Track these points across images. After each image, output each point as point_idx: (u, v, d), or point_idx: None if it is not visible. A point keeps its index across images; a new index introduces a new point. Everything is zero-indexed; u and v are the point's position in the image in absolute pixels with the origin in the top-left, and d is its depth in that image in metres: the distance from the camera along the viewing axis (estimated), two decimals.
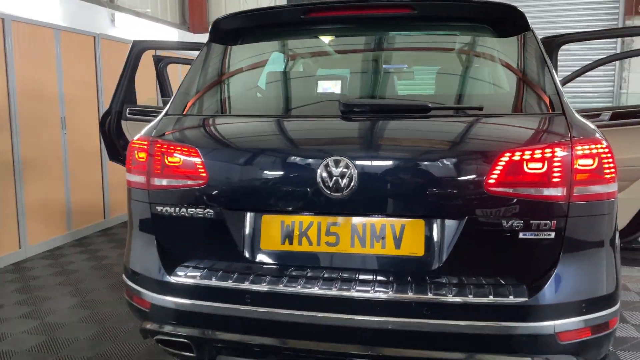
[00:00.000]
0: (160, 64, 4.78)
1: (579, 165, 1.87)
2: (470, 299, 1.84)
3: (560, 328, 1.84)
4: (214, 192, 2.08)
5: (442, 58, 2.48)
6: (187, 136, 2.20)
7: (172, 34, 9.12)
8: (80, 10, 7.00)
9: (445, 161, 1.92)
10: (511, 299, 1.84)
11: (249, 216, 2.07)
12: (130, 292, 2.27)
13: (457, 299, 1.85)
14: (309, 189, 1.97)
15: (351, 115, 2.09)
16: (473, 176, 1.89)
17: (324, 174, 1.93)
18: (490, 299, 1.84)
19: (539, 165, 1.86)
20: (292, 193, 2.02)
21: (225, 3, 10.05)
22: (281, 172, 2.03)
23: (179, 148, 2.14)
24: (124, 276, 2.35)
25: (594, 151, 1.89)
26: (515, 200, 1.87)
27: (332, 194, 1.94)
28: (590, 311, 1.89)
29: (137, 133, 3.83)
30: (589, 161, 1.88)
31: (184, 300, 2.09)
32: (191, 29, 9.88)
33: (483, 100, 2.15)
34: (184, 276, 2.10)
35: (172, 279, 2.10)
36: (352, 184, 1.92)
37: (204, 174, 2.08)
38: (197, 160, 2.09)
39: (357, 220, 1.99)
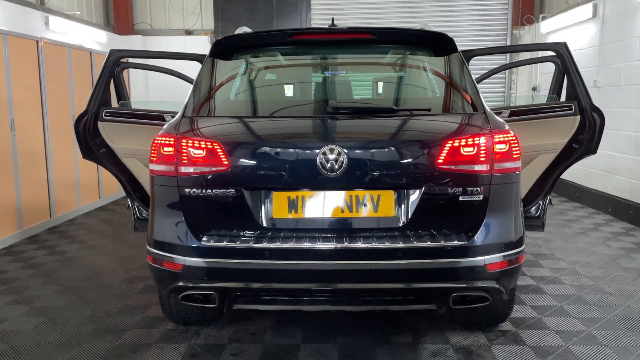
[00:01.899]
0: (117, 68, 5.20)
1: (497, 149, 2.72)
2: (428, 244, 2.64)
3: (488, 261, 2.68)
4: (234, 176, 2.72)
5: (395, 71, 3.28)
6: (209, 133, 2.81)
7: (100, 36, 9.30)
8: (17, 14, 7.12)
9: (408, 148, 2.71)
10: (455, 242, 2.65)
11: (262, 193, 2.73)
12: (159, 259, 2.84)
13: (419, 244, 2.63)
14: (310, 171, 2.67)
15: (337, 114, 2.81)
16: (428, 158, 2.68)
17: (322, 159, 2.64)
18: (442, 243, 2.64)
19: (471, 149, 2.69)
20: (297, 174, 2.71)
21: (151, 6, 10.34)
22: (288, 159, 2.71)
23: (202, 142, 2.74)
24: (149, 247, 2.91)
25: (506, 139, 2.75)
26: (456, 174, 2.68)
27: (329, 173, 2.65)
28: (507, 249, 2.74)
29: (114, 133, 4.32)
30: (503, 146, 2.74)
31: (214, 259, 2.71)
32: (117, 30, 10.06)
33: (428, 103, 2.98)
34: (212, 241, 2.71)
35: (203, 244, 2.71)
36: (343, 166, 2.64)
37: (226, 162, 2.71)
38: (220, 151, 2.72)
39: (345, 192, 2.72)
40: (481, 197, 2.71)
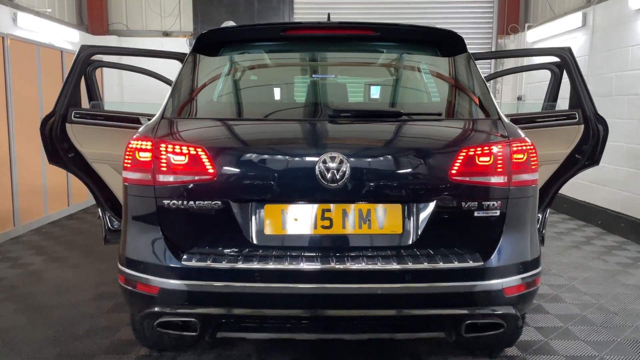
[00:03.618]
0: (89, 67, 4.82)
1: (515, 158, 2.45)
2: (441, 265, 2.34)
3: (506, 285, 2.40)
4: (221, 186, 2.39)
5: (399, 72, 2.99)
6: (192, 137, 2.48)
7: (72, 35, 8.85)
8: None
9: (418, 156, 2.42)
10: (470, 264, 2.36)
11: (253, 206, 2.41)
12: (132, 280, 2.49)
13: (431, 266, 2.33)
14: (307, 181, 2.36)
15: (337, 118, 2.50)
16: (440, 168, 2.39)
17: (322, 168, 2.33)
18: (456, 264, 2.35)
19: (488, 159, 2.41)
20: (292, 185, 2.39)
21: (126, 6, 9.92)
22: (282, 167, 2.39)
23: (184, 147, 2.41)
24: (122, 267, 2.56)
25: (524, 148, 2.48)
26: (471, 187, 2.40)
27: (329, 184, 2.34)
28: (525, 271, 2.47)
29: (83, 136, 3.95)
30: (521, 156, 2.47)
31: (196, 282, 2.37)
32: (90, 30, 9.61)
33: (438, 108, 2.69)
34: (194, 261, 2.37)
35: (183, 264, 2.37)
36: (345, 176, 2.33)
37: (211, 170, 2.38)
38: (204, 158, 2.39)
39: (347, 206, 2.41)
40: (498, 213, 2.43)
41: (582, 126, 4.07)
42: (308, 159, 2.38)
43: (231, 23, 3.15)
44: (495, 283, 2.38)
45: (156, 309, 2.43)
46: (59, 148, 4.05)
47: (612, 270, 5.00)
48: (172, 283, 2.38)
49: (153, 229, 2.47)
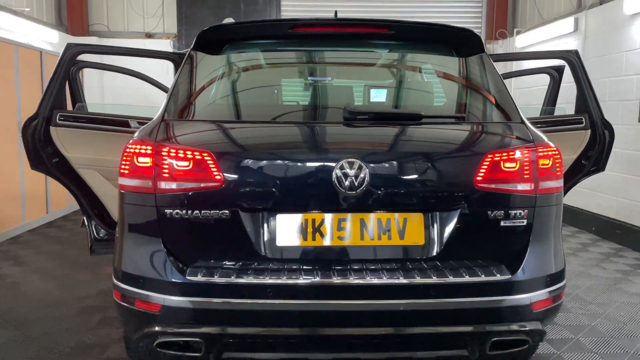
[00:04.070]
0: (73, 67, 4.57)
1: (541, 165, 2.30)
2: (467, 279, 2.17)
3: (534, 299, 2.25)
4: (229, 194, 2.19)
5: (415, 72, 2.82)
6: (197, 140, 2.28)
7: (51, 36, 8.54)
8: None
9: (441, 162, 2.26)
10: (498, 277, 2.20)
11: (264, 216, 2.22)
12: (130, 296, 2.27)
13: (456, 280, 2.17)
14: (323, 189, 2.18)
15: (354, 121, 2.33)
16: (464, 174, 2.23)
17: (339, 174, 2.15)
18: (482, 277, 2.19)
19: (514, 165, 2.26)
20: (307, 192, 2.21)
21: (107, 6, 9.62)
22: (295, 173, 2.21)
23: (189, 152, 2.21)
24: (118, 282, 2.34)
25: (550, 153, 2.34)
26: (498, 195, 2.24)
27: (347, 192, 2.16)
28: (552, 284, 2.32)
29: (69, 140, 3.71)
30: (547, 161, 2.32)
31: (202, 299, 2.16)
32: (70, 31, 9.29)
33: (459, 110, 2.53)
34: (200, 276, 2.17)
35: (188, 279, 2.16)
36: (364, 183, 2.16)
37: (219, 177, 2.18)
38: (211, 163, 2.19)
39: (365, 215, 2.23)
40: (525, 222, 2.28)
41: (589, 131, 3.97)
42: (324, 164, 2.20)
43: (231, 20, 2.96)
44: (523, 297, 2.22)
45: (157, 328, 2.21)
46: (42, 153, 3.80)
47: (613, 278, 4.91)
48: (175, 300, 2.18)
49: (153, 240, 2.26)
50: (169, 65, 9.32)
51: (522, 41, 8.75)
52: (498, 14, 9.64)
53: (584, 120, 3.92)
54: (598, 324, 3.81)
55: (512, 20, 9.69)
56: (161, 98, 9.02)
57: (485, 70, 2.59)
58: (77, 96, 4.58)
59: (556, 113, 4.43)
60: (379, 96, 2.56)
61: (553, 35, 7.73)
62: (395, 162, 2.24)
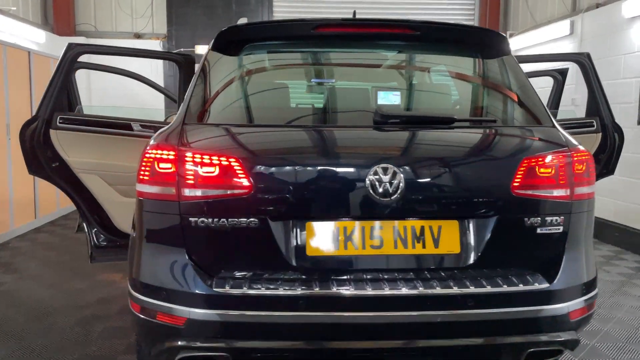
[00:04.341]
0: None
1: (576, 170, 2.24)
2: (505, 288, 2.10)
3: (571, 308, 2.18)
4: (257, 201, 2.09)
5: (442, 74, 2.75)
6: (223, 145, 2.17)
7: (38, 36, 8.31)
8: None
9: (477, 167, 2.19)
10: (536, 286, 2.13)
11: (294, 224, 2.12)
12: (151, 309, 2.16)
13: (495, 290, 2.09)
14: (355, 195, 2.09)
15: (385, 125, 2.24)
16: (501, 180, 2.16)
17: (373, 181, 2.06)
18: (521, 287, 2.12)
19: (550, 170, 2.20)
20: (339, 199, 2.11)
21: (95, 6, 9.41)
22: (327, 180, 2.12)
23: (215, 157, 2.10)
24: (137, 294, 2.23)
25: (584, 158, 2.29)
26: (534, 201, 2.18)
27: (381, 199, 2.07)
28: (587, 292, 2.26)
29: (70, 144, 3.57)
30: (582, 166, 2.27)
31: (230, 312, 2.06)
32: (56, 31, 9.06)
33: (491, 113, 2.47)
34: (227, 287, 2.07)
35: (215, 291, 2.06)
36: (399, 189, 2.08)
37: (247, 184, 2.08)
38: (239, 169, 2.09)
39: (399, 223, 2.15)
40: (560, 229, 2.22)
41: (600, 134, 3.95)
42: (357, 170, 2.11)
43: (245, 20, 2.85)
44: (561, 307, 2.16)
45: (180, 342, 2.10)
46: (40, 157, 3.66)
47: (617, 281, 4.91)
48: (201, 313, 2.07)
49: (177, 250, 2.15)
50: (157, 66, 9.22)
51: (515, 44, 8.76)
52: (490, 17, 9.66)
53: (595, 123, 3.90)
54: (611, 329, 3.78)
55: (504, 23, 9.72)
56: (152, 100, 8.87)
57: (512, 73, 2.53)
58: (73, 99, 4.43)
59: (568, 116, 4.40)
60: (402, 99, 2.48)
61: (548, 38, 7.75)
62: (429, 168, 2.16)
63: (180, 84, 3.92)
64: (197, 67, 2.58)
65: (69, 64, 3.54)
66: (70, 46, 3.53)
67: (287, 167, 2.14)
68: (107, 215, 3.87)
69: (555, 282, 2.17)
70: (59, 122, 3.60)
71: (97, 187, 3.76)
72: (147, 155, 2.20)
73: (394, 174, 2.07)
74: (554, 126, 2.38)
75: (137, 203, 2.27)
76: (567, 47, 7.28)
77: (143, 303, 2.19)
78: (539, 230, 2.19)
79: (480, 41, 2.57)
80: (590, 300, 2.28)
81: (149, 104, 8.84)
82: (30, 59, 6.72)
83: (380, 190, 2.07)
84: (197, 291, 2.08)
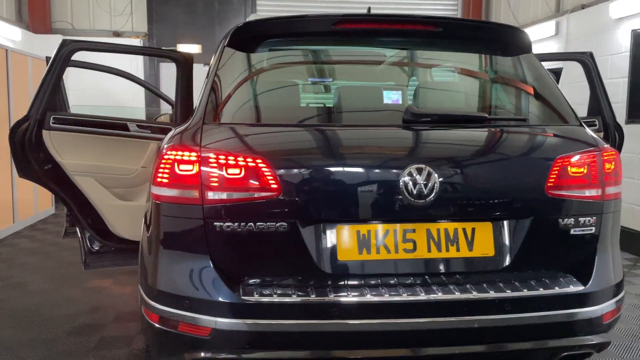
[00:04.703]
0: None
1: (606, 169, 2.21)
2: (541, 292, 2.05)
3: (605, 310, 2.15)
4: (286, 204, 1.99)
5: (466, 72, 2.68)
6: (248, 145, 2.07)
7: (14, 33, 8.01)
8: None
9: (510, 167, 2.13)
10: (571, 289, 2.09)
11: (325, 228, 2.03)
12: (172, 319, 2.04)
13: (531, 293, 2.04)
14: (389, 197, 2.02)
15: (414, 124, 2.17)
16: (535, 180, 2.11)
17: (408, 182, 1.99)
18: (556, 289, 2.07)
19: (582, 170, 2.16)
20: (371, 202, 2.03)
21: (72, 3, 9.11)
22: (359, 181, 2.04)
23: (241, 158, 2.00)
24: (155, 303, 2.10)
25: (612, 157, 2.25)
26: (568, 201, 2.14)
27: (415, 201, 2.00)
28: (617, 293, 2.23)
29: (64, 145, 3.41)
30: (611, 165, 2.24)
31: (259, 321, 1.96)
32: (31, 28, 8.75)
33: (520, 112, 2.42)
34: (256, 295, 1.96)
35: (243, 299, 1.96)
36: (434, 190, 2.00)
37: (275, 186, 1.98)
38: (266, 171, 1.99)
39: (432, 226, 2.08)
40: (593, 230, 2.18)
41: (602, 134, 3.96)
42: (390, 171, 2.03)
43: (255, 16, 2.74)
44: (596, 309, 2.12)
45: (204, 354, 1.99)
46: (32, 159, 3.48)
47: None
48: (228, 322, 1.96)
49: (200, 256, 2.04)
50: (138, 65, 8.99)
51: None
52: (473, 17, 9.70)
53: (597, 122, 3.91)
54: (614, 328, 3.77)
55: None
56: (131, 100, 8.66)
57: (536, 70, 2.49)
58: (61, 98, 4.25)
59: None
60: (429, 98, 2.42)
61: (533, 38, 7.75)
62: (463, 168, 2.10)
63: (178, 83, 3.77)
64: (211, 62, 2.47)
65: (63, 61, 3.37)
66: (65, 42, 3.37)
67: (317, 169, 2.05)
68: (102, 220, 3.71)
69: (589, 284, 2.13)
70: (52, 123, 3.43)
71: (92, 190, 3.60)
72: (166, 156, 2.08)
73: (429, 175, 2.00)
74: (581, 125, 2.34)
75: (154, 207, 2.15)
76: (553, 47, 7.35)
77: (162, 313, 2.07)
78: (572, 232, 2.15)
79: (503, 38, 2.52)
80: (620, 301, 2.26)
81: (128, 104, 8.63)
82: (7, 58, 6.46)
83: (415, 191, 2.00)
84: (223, 299, 1.98)
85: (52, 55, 3.38)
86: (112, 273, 4.80)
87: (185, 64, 3.76)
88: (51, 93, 3.40)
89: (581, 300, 2.10)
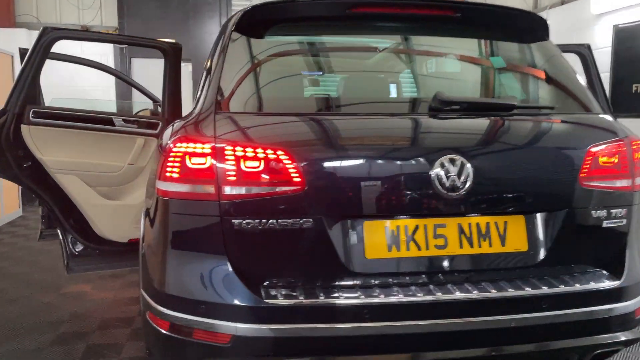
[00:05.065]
0: None
1: (636, 158, 2.14)
2: (577, 287, 1.96)
3: (637, 305, 2.07)
4: (312, 199, 1.85)
5: (487, 59, 2.57)
6: (268, 136, 1.91)
7: None
8: None
9: (543, 157, 2.03)
10: (606, 283, 2.00)
11: (352, 223, 1.89)
12: (186, 326, 1.87)
13: (567, 289, 1.94)
14: (420, 190, 1.89)
15: (441, 112, 2.05)
16: (568, 170, 2.02)
17: (440, 173, 1.87)
18: (591, 285, 1.98)
19: (615, 159, 2.08)
20: (401, 195, 1.90)
21: None
22: (388, 173, 1.91)
23: (260, 150, 1.84)
24: (164, 309, 1.93)
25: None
26: (600, 192, 2.05)
27: (448, 193, 1.88)
28: None
29: (44, 141, 3.18)
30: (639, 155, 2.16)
31: (285, 326, 1.80)
32: None
33: (547, 100, 2.32)
34: (281, 297, 1.81)
35: (266, 303, 1.80)
36: (468, 182, 1.89)
37: (299, 179, 1.83)
38: (289, 163, 1.84)
39: (463, 220, 1.96)
40: (624, 222, 2.10)
41: None
42: (421, 162, 1.90)
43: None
44: (630, 304, 2.04)
45: None
46: (9, 156, 3.23)
47: None
48: (251, 328, 1.80)
49: (216, 257, 1.87)
50: (108, 55, 8.64)
51: None
52: None
53: None
54: None
55: None
56: (101, 94, 8.30)
57: (556, 58, 2.40)
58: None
59: None
60: (454, 85, 2.30)
61: None
62: (496, 158, 1.99)
63: (166, 75, 3.58)
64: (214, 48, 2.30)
65: (44, 50, 3.14)
66: (46, 31, 3.14)
67: (343, 160, 1.90)
68: (86, 220, 3.49)
69: (623, 279, 2.05)
70: (32, 117, 3.20)
71: (75, 189, 3.38)
72: (175, 148, 1.90)
73: (462, 166, 1.88)
74: (606, 113, 2.27)
75: (161, 204, 1.97)
76: None
77: (174, 319, 1.89)
78: (604, 224, 2.07)
79: (521, 24, 2.42)
80: None
81: (99, 98, 8.32)
82: None
83: (448, 183, 1.87)
84: (244, 303, 1.82)
85: (32, 44, 3.14)
86: (91, 277, 4.55)
87: (173, 55, 3.58)
88: (30, 85, 3.17)
89: (616, 295, 2.02)
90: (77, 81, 7.73)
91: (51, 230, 3.85)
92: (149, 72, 7.40)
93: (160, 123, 3.53)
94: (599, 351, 2.07)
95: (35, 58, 3.13)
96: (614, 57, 6.01)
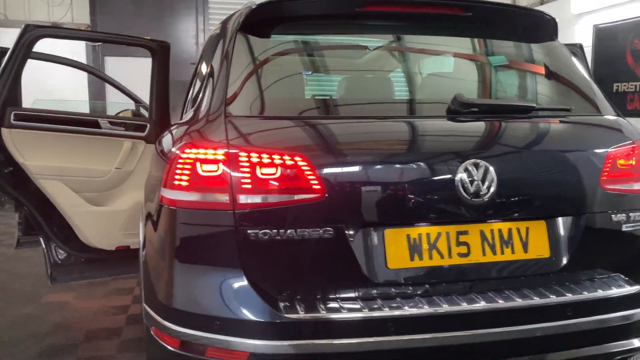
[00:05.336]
0: None
1: None
2: (600, 293, 1.92)
3: None
4: (332, 207, 1.76)
5: (499, 59, 2.51)
6: (285, 141, 1.81)
7: None
8: None
9: (565, 161, 1.99)
10: (628, 289, 1.97)
11: (374, 232, 1.81)
12: (198, 343, 1.76)
13: (591, 295, 1.90)
14: (443, 196, 1.83)
15: (461, 115, 1.98)
16: (589, 174, 1.98)
17: (464, 179, 1.80)
18: (614, 290, 1.94)
19: (632, 161, 2.05)
20: (424, 202, 1.83)
21: None
22: (411, 179, 1.83)
23: (278, 156, 1.74)
24: (173, 325, 1.81)
25: None
26: (620, 195, 2.02)
27: (472, 199, 1.82)
28: None
29: (26, 145, 3.01)
30: None
31: (307, 342, 1.71)
32: None
33: (563, 101, 2.28)
34: (302, 312, 1.72)
35: (286, 317, 1.70)
36: (492, 188, 1.83)
37: (319, 186, 1.74)
38: (307, 170, 1.74)
39: (485, 226, 1.90)
40: None
41: None
42: (444, 167, 1.83)
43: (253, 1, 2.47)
44: None
45: None
46: None
47: None
48: (270, 345, 1.70)
49: (230, 270, 1.76)
50: (80, 53, 8.35)
51: None
52: None
53: None
54: None
55: None
56: (74, 94, 8.04)
57: (566, 59, 2.36)
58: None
59: None
60: (472, 87, 2.24)
61: None
62: (519, 163, 1.94)
63: (154, 75, 3.44)
64: (219, 48, 2.18)
65: (26, 49, 2.97)
66: (27, 28, 2.96)
67: (365, 166, 1.82)
68: (70, 227, 3.33)
69: None
70: (13, 120, 3.03)
71: (59, 195, 3.21)
72: (184, 155, 1.79)
73: (486, 171, 1.82)
74: (619, 115, 2.24)
75: (167, 213, 1.85)
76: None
77: (184, 336, 1.78)
78: (624, 228, 2.03)
79: (529, 24, 2.37)
80: None
81: (70, 99, 8.05)
82: None
83: (472, 189, 1.81)
84: (263, 319, 1.72)
85: (13, 43, 2.96)
86: (72, 285, 4.34)
87: (162, 55, 3.44)
88: (11, 86, 3.00)
89: (636, 300, 1.98)
90: (46, 81, 7.46)
91: (29, 238, 3.68)
92: (125, 71, 7.17)
93: (149, 125, 3.40)
94: (618, 358, 2.03)
95: (17, 57, 2.96)
96: (595, 56, 6.08)
